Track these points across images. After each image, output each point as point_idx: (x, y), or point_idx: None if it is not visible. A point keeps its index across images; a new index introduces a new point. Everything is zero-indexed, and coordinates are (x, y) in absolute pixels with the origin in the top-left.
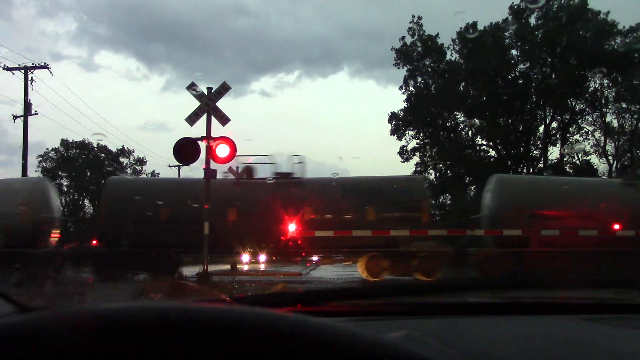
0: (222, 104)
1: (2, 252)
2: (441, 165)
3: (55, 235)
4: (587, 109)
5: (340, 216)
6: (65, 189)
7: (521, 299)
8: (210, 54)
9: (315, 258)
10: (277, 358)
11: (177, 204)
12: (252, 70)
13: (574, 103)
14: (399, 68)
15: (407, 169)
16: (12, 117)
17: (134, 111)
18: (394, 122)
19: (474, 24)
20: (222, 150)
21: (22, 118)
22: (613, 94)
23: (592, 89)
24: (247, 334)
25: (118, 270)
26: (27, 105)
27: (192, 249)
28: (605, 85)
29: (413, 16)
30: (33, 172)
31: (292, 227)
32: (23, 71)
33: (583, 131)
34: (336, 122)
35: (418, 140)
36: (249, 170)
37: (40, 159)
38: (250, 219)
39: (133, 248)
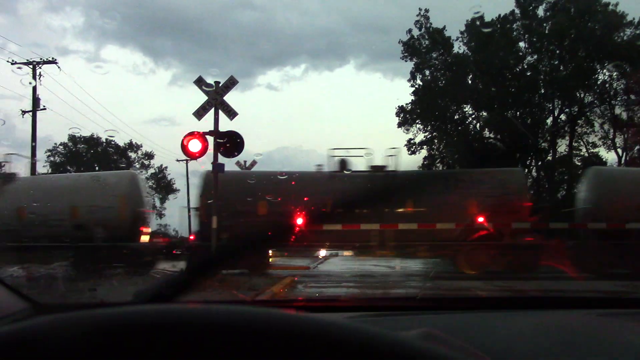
0: (229, 98)
1: (106, 246)
2: (449, 158)
3: (146, 229)
4: (595, 101)
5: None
6: None
7: (536, 293)
8: (216, 48)
9: (323, 252)
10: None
11: (280, 198)
12: (259, 64)
13: (582, 95)
14: (406, 61)
15: (414, 162)
16: (20, 112)
17: (141, 106)
18: (401, 115)
19: (482, 17)
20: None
21: (30, 113)
22: (622, 86)
23: (600, 81)
24: (245, 334)
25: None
26: (36, 101)
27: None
28: (615, 77)
29: (420, 9)
30: (41, 167)
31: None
32: (31, 66)
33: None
34: (343, 116)
35: (426, 134)
36: (343, 163)
37: (49, 153)
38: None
39: (232, 242)
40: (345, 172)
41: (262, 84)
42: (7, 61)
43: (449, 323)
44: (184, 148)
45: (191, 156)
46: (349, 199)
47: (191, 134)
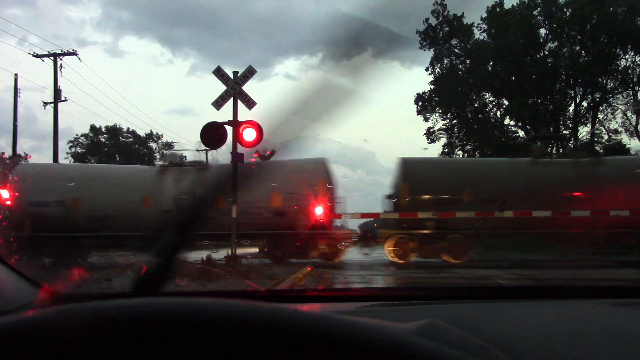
0: (247, 87)
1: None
2: (469, 146)
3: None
4: (618, 87)
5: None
6: None
7: (547, 282)
8: (233, 37)
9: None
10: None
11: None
12: (276, 53)
13: (604, 81)
14: (424, 50)
15: (434, 150)
16: (42, 103)
17: (160, 96)
18: (420, 104)
19: (501, 3)
20: (249, 134)
21: (52, 105)
22: None
23: (623, 66)
24: (233, 328)
25: None
26: (57, 92)
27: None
28: (638, 62)
29: None
30: (63, 158)
31: None
32: (52, 58)
33: (613, 109)
34: (361, 104)
35: (445, 122)
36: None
37: (71, 144)
38: None
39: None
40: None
41: (280, 73)
42: (29, 53)
43: (458, 313)
44: (204, 138)
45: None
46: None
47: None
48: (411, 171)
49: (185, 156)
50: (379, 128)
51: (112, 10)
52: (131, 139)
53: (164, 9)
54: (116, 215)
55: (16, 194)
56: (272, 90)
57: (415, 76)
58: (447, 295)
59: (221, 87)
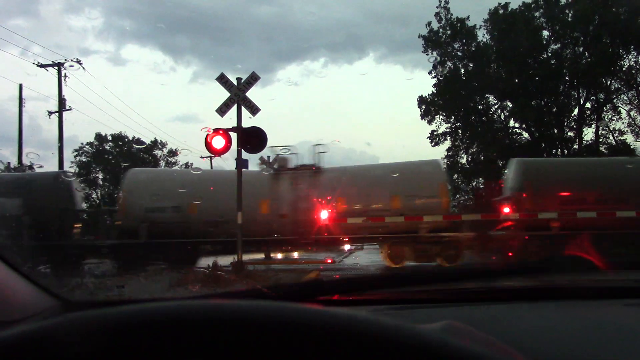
0: (250, 94)
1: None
2: (474, 148)
3: None
4: (622, 87)
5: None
6: (100, 182)
7: (559, 284)
8: (235, 44)
9: (347, 247)
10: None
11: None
12: (278, 59)
13: (608, 82)
14: (427, 54)
15: (438, 153)
16: (47, 113)
17: (163, 104)
18: (423, 107)
19: (505, 5)
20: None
21: (57, 114)
22: None
23: (626, 67)
24: (261, 328)
25: None
26: (62, 101)
27: None
28: None
29: (440, 0)
30: (68, 166)
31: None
32: (57, 68)
33: (618, 110)
34: (364, 108)
35: (449, 125)
36: None
37: (76, 152)
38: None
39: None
40: None
41: (282, 79)
42: (33, 63)
43: (473, 315)
44: (208, 145)
45: (215, 153)
46: None
47: (215, 131)
48: (532, 172)
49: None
50: (382, 132)
51: (114, 19)
52: (145, 145)
53: (165, 16)
54: (231, 220)
55: (129, 200)
56: (276, 96)
57: (418, 79)
58: (458, 298)
59: (224, 94)
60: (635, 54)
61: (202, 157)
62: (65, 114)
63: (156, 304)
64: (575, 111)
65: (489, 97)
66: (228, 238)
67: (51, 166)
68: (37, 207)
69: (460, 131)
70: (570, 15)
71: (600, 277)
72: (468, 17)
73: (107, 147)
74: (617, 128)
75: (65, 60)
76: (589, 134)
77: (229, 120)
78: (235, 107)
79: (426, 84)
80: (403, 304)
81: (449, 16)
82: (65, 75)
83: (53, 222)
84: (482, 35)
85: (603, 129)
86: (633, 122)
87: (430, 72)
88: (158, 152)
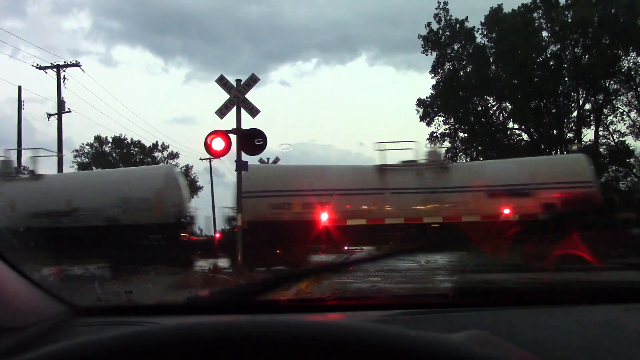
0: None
1: None
2: (473, 149)
3: None
4: (621, 88)
5: None
6: None
7: (566, 286)
8: (225, 45)
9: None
10: None
11: None
12: (270, 60)
13: (607, 83)
14: (427, 55)
15: None
16: (46, 115)
17: (159, 105)
18: (422, 109)
19: (499, 8)
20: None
21: (56, 116)
22: None
23: (626, 68)
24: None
25: None
26: (61, 103)
27: None
28: None
29: (439, 2)
30: (68, 167)
31: None
32: (55, 70)
33: (618, 112)
34: (357, 109)
35: (448, 126)
36: None
37: (75, 153)
38: None
39: None
40: None
41: (275, 80)
42: (32, 65)
43: (486, 321)
44: (208, 147)
45: (215, 155)
46: None
47: (215, 133)
48: None
49: None
50: (379, 133)
51: (102, 20)
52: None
53: (154, 17)
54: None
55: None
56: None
57: (410, 80)
58: (467, 303)
59: (219, 96)
60: (634, 55)
61: (201, 159)
62: (63, 117)
63: (163, 326)
64: (575, 112)
65: (488, 99)
66: None
67: (49, 169)
68: None
69: (459, 132)
70: (569, 16)
71: (602, 278)
72: (467, 18)
73: (107, 149)
74: (616, 129)
75: (65, 62)
76: (588, 134)
77: (228, 121)
78: (234, 109)
79: (419, 85)
80: (412, 307)
81: (448, 17)
82: (64, 78)
83: None
84: (481, 38)
85: (602, 130)
86: (633, 124)
87: (430, 72)
88: (158, 155)
